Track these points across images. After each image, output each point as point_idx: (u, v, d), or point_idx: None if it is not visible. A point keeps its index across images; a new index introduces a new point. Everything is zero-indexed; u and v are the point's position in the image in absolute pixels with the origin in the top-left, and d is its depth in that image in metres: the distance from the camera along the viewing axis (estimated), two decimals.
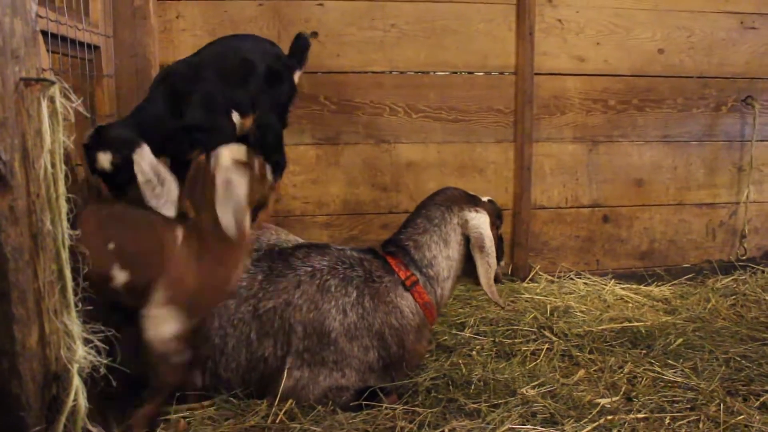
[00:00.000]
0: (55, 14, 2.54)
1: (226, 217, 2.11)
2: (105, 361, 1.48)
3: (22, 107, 1.41)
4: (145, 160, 2.41)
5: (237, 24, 3.54)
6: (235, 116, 2.87)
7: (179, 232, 2.17)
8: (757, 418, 2.33)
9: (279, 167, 3.00)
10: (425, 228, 2.64)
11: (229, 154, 2.18)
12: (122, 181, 2.45)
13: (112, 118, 3.20)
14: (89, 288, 1.87)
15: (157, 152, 2.54)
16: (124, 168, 2.41)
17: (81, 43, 2.83)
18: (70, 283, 1.49)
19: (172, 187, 2.42)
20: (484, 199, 2.77)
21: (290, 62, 3.08)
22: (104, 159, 2.40)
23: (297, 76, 3.12)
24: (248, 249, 2.32)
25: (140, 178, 2.38)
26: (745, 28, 4.13)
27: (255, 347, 2.40)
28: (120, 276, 2.04)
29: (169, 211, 2.32)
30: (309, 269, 2.49)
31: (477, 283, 2.66)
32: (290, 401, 2.36)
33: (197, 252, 2.15)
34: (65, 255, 1.47)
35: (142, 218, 2.24)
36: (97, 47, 3.09)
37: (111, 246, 2.04)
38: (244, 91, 2.92)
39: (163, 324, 2.07)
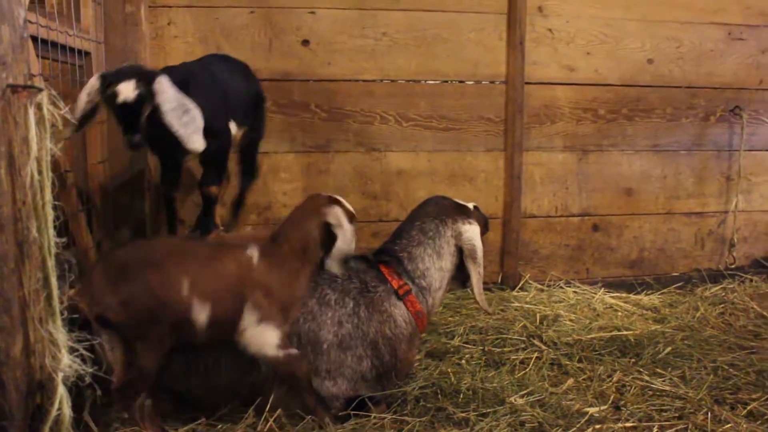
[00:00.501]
0: (45, 20, 2.54)
1: None
2: (90, 370, 1.47)
3: (8, 114, 1.40)
4: (168, 87, 2.38)
5: (229, 31, 3.54)
6: (233, 126, 2.89)
7: (254, 252, 2.26)
8: (744, 426, 2.34)
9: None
10: (419, 240, 2.65)
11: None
12: (144, 116, 2.41)
13: (102, 125, 3.19)
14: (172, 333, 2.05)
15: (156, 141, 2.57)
16: (148, 98, 2.38)
17: (72, 49, 2.83)
18: (56, 292, 1.48)
19: (196, 114, 2.41)
20: (470, 205, 2.80)
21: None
22: (127, 88, 2.34)
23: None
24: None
25: (166, 107, 2.34)
26: (733, 39, 4.16)
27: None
28: (201, 314, 2.13)
29: (198, 139, 2.40)
30: (312, 285, 2.48)
31: (461, 286, 2.74)
32: (278, 410, 2.35)
33: (277, 266, 2.27)
34: (51, 263, 1.46)
35: (211, 251, 2.27)
36: (87, 53, 3.09)
37: (186, 286, 2.10)
38: (240, 104, 2.96)
39: (263, 339, 2.20)
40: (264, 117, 3.32)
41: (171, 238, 2.94)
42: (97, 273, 2.07)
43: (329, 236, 2.35)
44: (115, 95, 2.36)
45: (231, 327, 2.19)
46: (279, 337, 2.21)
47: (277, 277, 2.26)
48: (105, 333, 2.04)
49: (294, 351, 2.26)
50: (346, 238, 2.32)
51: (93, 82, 2.41)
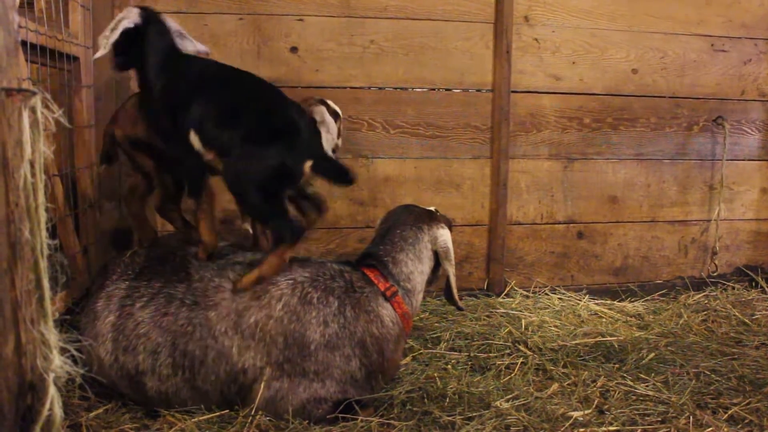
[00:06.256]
0: (34, 24, 2.55)
1: None
2: (81, 371, 1.47)
3: (2, 117, 1.41)
4: None
5: (217, 38, 3.56)
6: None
7: None
8: (726, 430, 2.38)
9: None
10: (402, 247, 2.75)
11: None
12: None
13: (90, 129, 3.20)
14: None
15: None
16: None
17: (60, 54, 2.84)
18: (47, 293, 1.48)
19: None
20: (431, 209, 2.93)
21: None
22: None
23: None
24: None
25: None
26: (716, 50, 4.23)
27: (235, 359, 2.41)
28: None
29: None
30: (290, 281, 2.51)
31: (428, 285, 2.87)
32: (261, 413, 2.37)
33: None
34: (43, 264, 1.47)
35: None
36: (76, 58, 3.10)
37: None
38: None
39: None
40: None
41: None
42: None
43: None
44: None
45: None
46: None
47: None
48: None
49: None
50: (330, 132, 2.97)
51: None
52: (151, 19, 2.60)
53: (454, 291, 2.83)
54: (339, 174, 2.53)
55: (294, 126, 2.48)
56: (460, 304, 2.89)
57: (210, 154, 2.47)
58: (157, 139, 2.67)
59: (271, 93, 2.63)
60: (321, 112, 3.12)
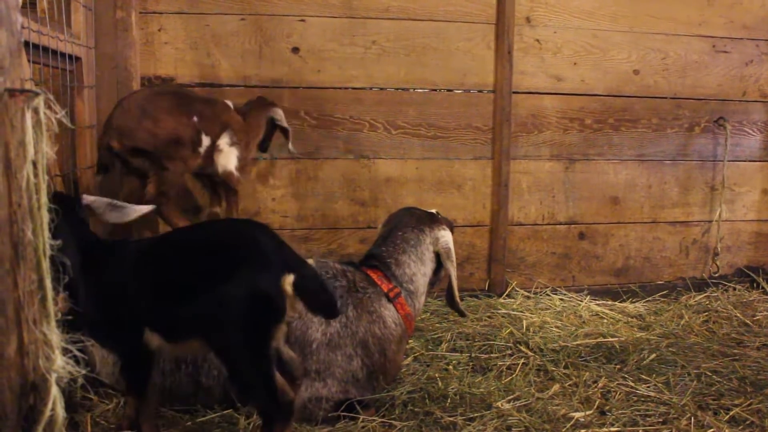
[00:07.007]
0: (37, 25, 2.55)
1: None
2: (83, 371, 1.47)
3: (5, 118, 1.41)
4: None
5: (219, 38, 3.56)
6: None
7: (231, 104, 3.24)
8: (727, 431, 2.38)
9: None
10: (404, 248, 2.76)
11: None
12: None
13: (92, 129, 3.21)
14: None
15: None
16: None
17: (62, 54, 2.84)
18: (50, 293, 1.48)
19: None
20: (433, 211, 2.94)
21: None
22: None
23: None
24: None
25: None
26: (717, 51, 4.23)
27: None
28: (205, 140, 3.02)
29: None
30: None
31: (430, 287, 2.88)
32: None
33: (243, 123, 3.24)
34: (46, 265, 1.47)
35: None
36: (78, 58, 3.10)
37: (195, 119, 2.98)
38: None
39: (230, 157, 3.12)
40: None
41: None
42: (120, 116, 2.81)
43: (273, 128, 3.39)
44: None
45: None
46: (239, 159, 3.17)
47: (242, 124, 3.23)
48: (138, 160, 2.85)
49: (240, 176, 3.20)
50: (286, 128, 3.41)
51: None
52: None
53: (456, 294, 2.83)
54: (324, 304, 2.07)
55: (250, 242, 2.01)
56: (461, 307, 2.89)
57: (180, 346, 2.08)
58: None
59: (208, 229, 2.31)
60: (279, 113, 3.39)
